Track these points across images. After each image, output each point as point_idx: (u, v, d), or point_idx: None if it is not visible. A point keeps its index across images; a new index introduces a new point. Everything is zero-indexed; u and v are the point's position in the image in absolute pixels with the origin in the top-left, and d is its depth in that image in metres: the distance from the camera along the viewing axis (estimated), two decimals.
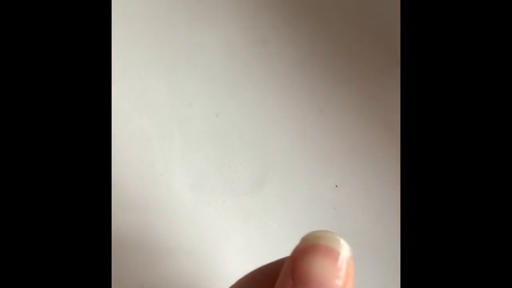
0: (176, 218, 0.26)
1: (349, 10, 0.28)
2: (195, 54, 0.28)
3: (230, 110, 0.27)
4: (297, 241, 0.14)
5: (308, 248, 0.14)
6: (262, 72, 0.28)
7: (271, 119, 0.27)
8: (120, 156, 0.26)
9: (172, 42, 0.28)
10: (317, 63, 0.28)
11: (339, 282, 0.13)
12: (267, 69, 0.28)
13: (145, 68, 0.28)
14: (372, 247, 0.25)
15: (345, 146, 0.27)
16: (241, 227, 0.26)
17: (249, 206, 0.26)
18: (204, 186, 0.26)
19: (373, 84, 0.27)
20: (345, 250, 0.14)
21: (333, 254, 0.14)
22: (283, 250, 0.15)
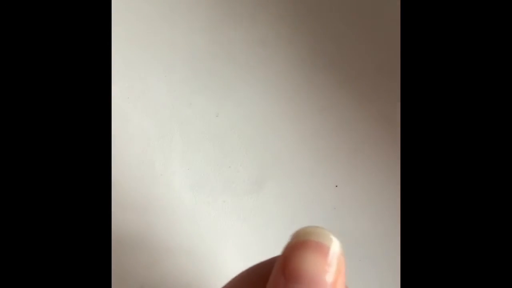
0: (176, 218, 0.26)
1: (349, 10, 0.28)
2: (195, 54, 0.28)
3: (230, 110, 0.27)
4: None
5: (298, 244, 0.14)
6: (262, 72, 0.28)
7: (271, 119, 0.27)
8: (120, 156, 0.26)
9: (172, 42, 0.28)
10: (317, 63, 0.28)
11: (329, 278, 0.13)
12: (267, 69, 0.28)
13: (145, 68, 0.28)
14: (372, 247, 0.25)
15: (345, 146, 0.27)
16: (241, 227, 0.26)
17: (249, 206, 0.26)
18: (204, 186, 0.26)
19: (373, 84, 0.27)
20: (335, 246, 0.14)
21: (324, 249, 0.14)
22: None
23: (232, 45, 0.28)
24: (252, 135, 0.27)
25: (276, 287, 0.14)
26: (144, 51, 0.28)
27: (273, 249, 0.16)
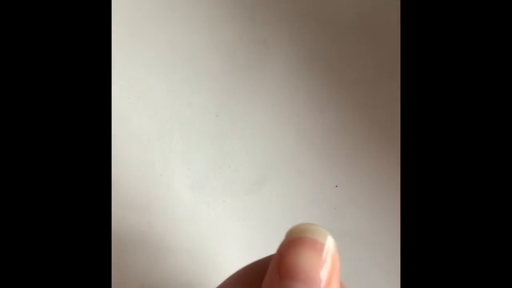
0: (176, 218, 0.26)
1: (349, 10, 0.28)
2: (195, 54, 0.28)
3: (230, 110, 0.27)
4: None
5: (293, 241, 0.14)
6: (262, 72, 0.28)
7: (271, 119, 0.27)
8: (120, 156, 0.26)
9: (172, 42, 0.28)
10: (317, 63, 0.28)
11: (324, 274, 0.13)
12: (267, 69, 0.28)
13: (145, 68, 0.28)
14: (372, 247, 0.25)
15: (345, 146, 0.27)
16: (241, 227, 0.26)
17: (249, 206, 0.26)
18: (204, 186, 0.26)
19: (373, 84, 0.27)
20: (330, 243, 0.14)
21: (318, 246, 0.14)
22: None
23: (232, 45, 0.28)
24: (252, 135, 0.27)
25: (272, 284, 0.14)
26: (144, 51, 0.28)
27: (273, 249, 0.16)
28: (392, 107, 0.27)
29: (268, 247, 0.17)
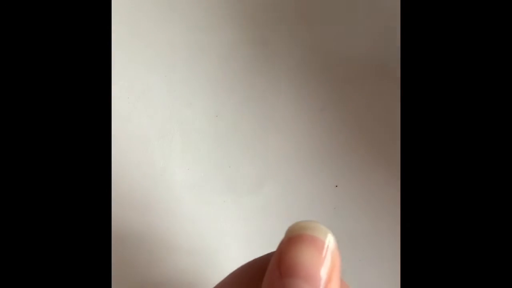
0: (176, 218, 0.26)
1: (349, 10, 0.28)
2: (195, 54, 0.28)
3: (230, 110, 0.27)
4: None
5: (293, 239, 0.14)
6: (262, 72, 0.28)
7: (271, 119, 0.27)
8: (120, 156, 0.26)
9: (172, 42, 0.28)
10: (317, 63, 0.28)
11: (324, 272, 0.13)
12: (267, 69, 0.28)
13: (145, 68, 0.28)
14: (372, 247, 0.25)
15: (345, 146, 0.27)
16: (241, 227, 0.26)
17: (249, 206, 0.26)
18: (204, 186, 0.26)
19: (373, 83, 0.27)
20: (330, 240, 0.14)
21: (318, 243, 0.14)
22: None
23: (232, 45, 0.28)
24: (252, 135, 0.27)
25: (272, 282, 0.14)
26: (144, 51, 0.28)
27: (273, 249, 0.16)
28: (392, 106, 0.27)
29: (268, 247, 0.17)
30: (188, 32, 0.28)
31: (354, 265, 0.25)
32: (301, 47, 0.28)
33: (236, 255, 0.25)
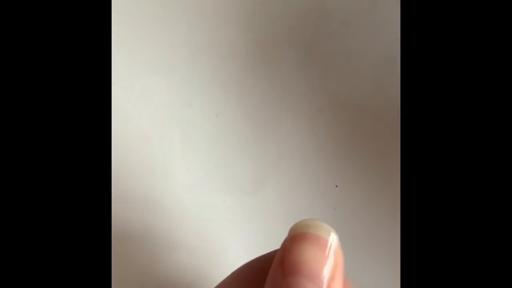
0: (176, 218, 0.26)
1: (349, 10, 0.28)
2: (195, 54, 0.28)
3: (230, 110, 0.27)
4: None
5: (296, 237, 0.14)
6: (262, 72, 0.28)
7: (271, 119, 0.27)
8: (120, 156, 0.26)
9: (172, 42, 0.28)
10: (317, 63, 0.28)
11: (327, 270, 0.13)
12: (267, 69, 0.28)
13: (145, 68, 0.28)
14: (372, 247, 0.25)
15: (345, 146, 0.27)
16: (241, 227, 0.26)
17: (249, 206, 0.26)
18: (204, 186, 0.26)
19: (373, 83, 0.27)
20: (333, 238, 0.14)
21: (322, 242, 0.14)
22: None
23: (232, 45, 0.28)
24: (252, 135, 0.27)
25: (275, 280, 0.14)
26: (144, 51, 0.28)
27: (273, 249, 0.16)
28: (392, 106, 0.27)
29: (268, 247, 0.17)
30: (188, 32, 0.28)
31: (354, 265, 0.25)
32: (301, 47, 0.28)
33: (236, 255, 0.25)
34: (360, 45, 0.28)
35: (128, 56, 0.28)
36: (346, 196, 0.26)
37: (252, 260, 0.17)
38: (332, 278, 0.14)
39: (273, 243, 0.16)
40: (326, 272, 0.13)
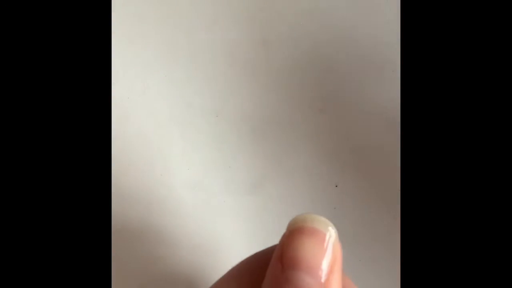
0: (176, 218, 0.26)
1: (349, 10, 0.28)
2: (195, 54, 0.28)
3: (230, 110, 0.27)
4: None
5: (295, 231, 0.14)
6: (262, 72, 0.28)
7: (271, 119, 0.27)
8: (120, 156, 0.26)
9: (172, 42, 0.28)
10: (317, 63, 0.28)
11: (326, 264, 0.13)
12: (267, 69, 0.28)
13: (145, 68, 0.28)
14: (372, 247, 0.25)
15: (345, 146, 0.27)
16: (241, 227, 0.26)
17: (249, 206, 0.26)
18: (204, 186, 0.26)
19: (374, 83, 0.27)
20: (331, 232, 0.14)
21: (320, 235, 0.14)
22: None
23: (232, 45, 0.28)
24: (252, 135, 0.27)
25: (274, 275, 0.14)
26: (144, 51, 0.28)
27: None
28: (392, 106, 0.27)
29: (268, 247, 0.17)
30: (188, 32, 0.28)
31: (354, 265, 0.25)
32: (301, 47, 0.28)
33: (236, 255, 0.25)
34: (361, 50, 0.28)
35: (128, 56, 0.28)
36: (346, 196, 0.26)
37: (251, 255, 0.17)
38: (330, 272, 0.14)
39: (273, 243, 0.16)
40: (324, 265, 0.13)
